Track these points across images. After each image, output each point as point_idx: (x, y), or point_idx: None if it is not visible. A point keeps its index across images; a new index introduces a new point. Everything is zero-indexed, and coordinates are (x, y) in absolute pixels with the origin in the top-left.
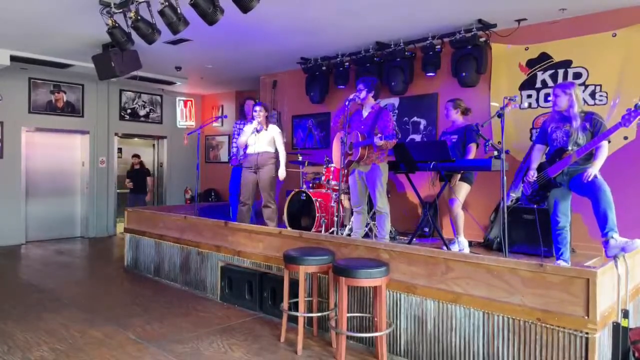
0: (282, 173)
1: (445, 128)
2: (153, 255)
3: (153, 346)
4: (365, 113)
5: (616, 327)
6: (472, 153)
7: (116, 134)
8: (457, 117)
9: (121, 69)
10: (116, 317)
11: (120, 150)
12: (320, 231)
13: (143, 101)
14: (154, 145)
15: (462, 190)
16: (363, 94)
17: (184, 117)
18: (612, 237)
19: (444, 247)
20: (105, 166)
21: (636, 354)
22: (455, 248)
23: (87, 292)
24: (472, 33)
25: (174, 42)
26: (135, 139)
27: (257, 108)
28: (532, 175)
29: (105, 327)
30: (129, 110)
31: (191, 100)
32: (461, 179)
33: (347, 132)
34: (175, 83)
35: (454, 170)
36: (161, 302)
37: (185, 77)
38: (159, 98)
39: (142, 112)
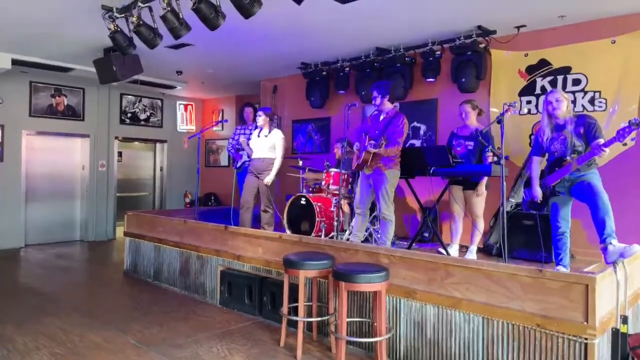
0: (269, 178)
1: (456, 130)
2: (152, 259)
3: (153, 351)
4: (382, 117)
5: (615, 333)
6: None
7: (116, 138)
8: (474, 119)
9: (122, 73)
10: (115, 321)
11: (120, 154)
12: (320, 236)
13: (144, 105)
14: (154, 149)
15: (482, 200)
16: (378, 100)
17: (184, 121)
18: (611, 243)
19: (444, 252)
20: (105, 170)
21: None
22: (454, 253)
23: (87, 296)
24: (472, 39)
25: (176, 47)
26: (136, 142)
27: (260, 113)
28: (539, 194)
29: (105, 331)
30: (129, 114)
31: (192, 105)
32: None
33: (359, 136)
34: (176, 87)
35: (454, 175)
36: (161, 306)
37: (186, 81)
38: (159, 102)
39: (142, 116)
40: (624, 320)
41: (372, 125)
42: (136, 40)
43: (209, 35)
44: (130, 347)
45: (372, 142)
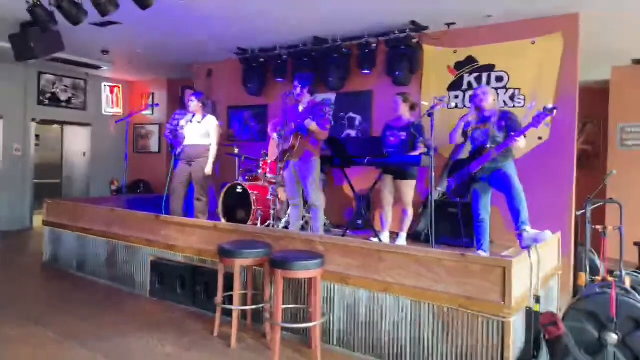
0: (208, 168)
1: (390, 121)
2: (76, 250)
3: (77, 345)
4: (301, 108)
5: (529, 311)
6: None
7: (34, 120)
8: (405, 112)
9: (41, 50)
10: (35, 315)
11: (38, 137)
12: (257, 224)
13: (65, 85)
14: (76, 132)
15: (412, 189)
16: (298, 90)
17: (110, 104)
18: (525, 230)
19: (377, 239)
20: (20, 154)
21: (546, 336)
22: (386, 240)
23: (2, 288)
24: (406, 34)
25: (102, 24)
26: (56, 125)
27: (192, 98)
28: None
29: (24, 326)
30: (48, 95)
31: (118, 87)
32: (409, 177)
33: (284, 125)
34: (101, 67)
35: (387, 166)
36: (85, 298)
37: (112, 61)
38: (82, 83)
39: (63, 97)
40: (537, 299)
41: (292, 116)
42: (58, 16)
43: (140, 13)
44: (52, 342)
45: (310, 117)
